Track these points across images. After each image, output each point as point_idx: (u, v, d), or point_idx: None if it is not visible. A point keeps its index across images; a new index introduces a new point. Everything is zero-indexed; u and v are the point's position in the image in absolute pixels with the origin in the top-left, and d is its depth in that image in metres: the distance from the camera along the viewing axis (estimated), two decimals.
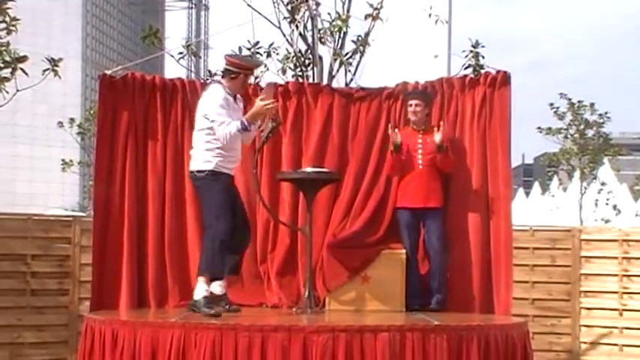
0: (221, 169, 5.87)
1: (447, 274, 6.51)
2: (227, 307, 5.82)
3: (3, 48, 7.50)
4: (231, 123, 5.78)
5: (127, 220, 6.54)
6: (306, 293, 6.21)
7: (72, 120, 24.40)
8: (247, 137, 6.08)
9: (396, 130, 6.57)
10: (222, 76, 6.07)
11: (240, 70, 5.97)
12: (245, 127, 5.78)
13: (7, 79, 7.56)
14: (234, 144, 5.89)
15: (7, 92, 7.69)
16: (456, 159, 6.59)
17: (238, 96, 6.11)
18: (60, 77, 7.87)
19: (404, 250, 6.49)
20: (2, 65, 7.50)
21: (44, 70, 7.83)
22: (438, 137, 6.47)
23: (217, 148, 5.84)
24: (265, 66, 7.75)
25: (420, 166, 6.55)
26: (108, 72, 6.77)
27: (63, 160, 24.08)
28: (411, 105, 6.67)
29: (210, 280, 5.78)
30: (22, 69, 7.56)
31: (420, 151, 6.58)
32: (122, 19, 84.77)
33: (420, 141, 6.61)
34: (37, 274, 7.39)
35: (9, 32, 7.55)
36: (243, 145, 6.54)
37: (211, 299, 5.71)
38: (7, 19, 7.50)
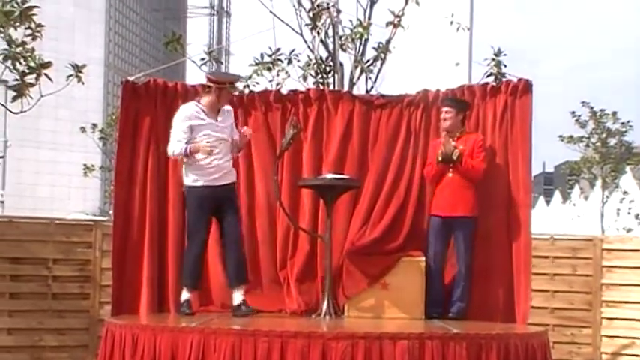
0: (196, 184, 6.16)
1: (469, 284, 6.49)
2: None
3: (28, 54, 7.57)
4: (179, 143, 6.13)
5: (148, 224, 6.58)
6: (326, 300, 6.22)
7: (94, 125, 24.59)
8: (232, 147, 6.33)
9: (451, 140, 6.52)
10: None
11: (212, 84, 6.19)
12: (185, 154, 6.11)
13: (31, 85, 7.63)
14: (213, 156, 6.11)
15: (32, 97, 7.76)
16: (482, 167, 6.54)
17: (226, 108, 6.32)
18: (83, 83, 7.94)
19: (423, 258, 6.47)
20: (27, 71, 7.58)
21: (68, 76, 7.91)
22: (448, 147, 6.45)
23: (194, 162, 6.16)
24: (286, 72, 7.79)
25: (450, 174, 6.52)
26: (131, 78, 6.83)
27: (85, 164, 24.28)
28: (442, 112, 6.66)
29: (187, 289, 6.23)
30: (46, 75, 7.63)
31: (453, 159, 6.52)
32: (144, 25, 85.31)
33: None
34: (58, 277, 7.45)
35: (34, 38, 7.62)
36: (263, 150, 6.58)
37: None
38: (32, 25, 7.57)
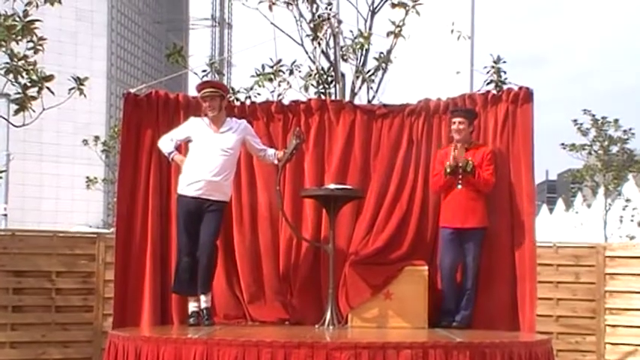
0: (182, 192, 6.26)
1: (475, 293, 6.49)
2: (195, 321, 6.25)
3: (30, 67, 7.60)
4: (170, 142, 6.34)
5: (150, 236, 6.59)
6: (329, 310, 6.21)
7: (97, 138, 24.64)
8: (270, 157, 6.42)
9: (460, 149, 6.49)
10: None
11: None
12: (169, 154, 6.35)
13: (34, 98, 7.66)
14: (195, 167, 6.19)
15: (34, 111, 7.79)
16: (493, 180, 6.51)
17: (238, 122, 6.38)
18: (85, 96, 7.96)
19: (426, 267, 6.47)
20: (29, 84, 7.60)
21: (70, 89, 7.93)
22: (462, 160, 6.43)
23: (183, 171, 6.28)
24: (288, 83, 7.80)
25: (459, 186, 6.50)
26: (133, 90, 6.85)
27: (87, 177, 24.33)
28: (454, 123, 6.60)
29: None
30: (48, 88, 7.66)
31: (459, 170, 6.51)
32: (147, 37, 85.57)
33: None
34: (61, 290, 7.45)
35: (36, 52, 7.65)
36: (266, 162, 6.59)
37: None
38: (35, 38, 7.60)
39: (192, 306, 6.30)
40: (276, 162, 6.42)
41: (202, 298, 6.26)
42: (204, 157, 6.22)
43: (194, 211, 6.20)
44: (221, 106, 6.33)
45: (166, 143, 6.40)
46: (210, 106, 6.29)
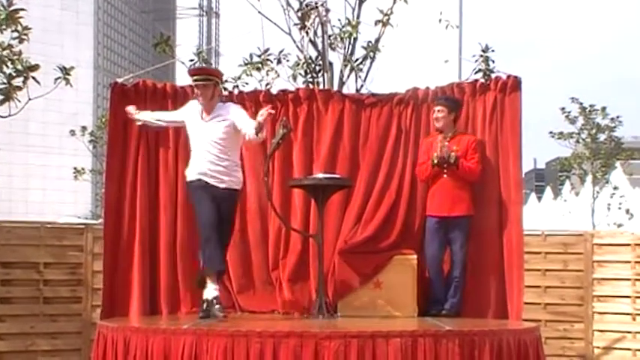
0: (191, 178, 6.05)
1: (464, 281, 6.50)
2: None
3: (15, 57, 7.55)
4: (147, 115, 6.31)
5: (139, 227, 6.57)
6: (318, 299, 6.21)
7: (84, 128, 24.49)
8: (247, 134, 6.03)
9: (446, 143, 6.48)
10: None
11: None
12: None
13: (19, 88, 7.61)
14: (195, 157, 6.03)
15: (20, 101, 7.74)
16: (479, 168, 6.52)
17: (223, 106, 6.13)
18: (72, 85, 7.92)
19: (415, 256, 6.49)
20: (14, 74, 7.55)
21: (56, 79, 7.88)
22: (445, 151, 6.44)
23: (192, 159, 6.11)
24: (276, 72, 7.77)
25: (445, 175, 6.52)
26: (120, 80, 6.81)
27: (75, 168, 24.18)
28: (434, 111, 6.66)
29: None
30: (33, 78, 7.61)
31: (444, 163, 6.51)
32: (134, 27, 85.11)
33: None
34: (49, 281, 7.43)
35: (21, 41, 7.60)
36: (254, 151, 6.56)
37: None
38: (19, 28, 7.55)
39: (213, 289, 5.85)
40: (255, 137, 5.85)
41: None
42: (198, 147, 6.05)
43: (208, 190, 5.94)
44: (213, 94, 6.06)
45: (146, 115, 6.31)
46: (203, 93, 6.01)
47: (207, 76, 6.08)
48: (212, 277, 5.89)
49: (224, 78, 7.67)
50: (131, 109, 6.28)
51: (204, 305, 5.87)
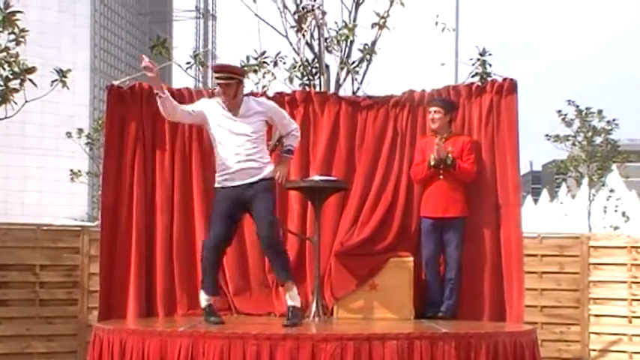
0: (219, 185, 5.87)
1: (460, 283, 6.50)
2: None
3: (12, 59, 7.55)
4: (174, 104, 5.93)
5: (135, 229, 6.56)
6: (315, 302, 6.21)
7: (80, 130, 24.48)
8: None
9: (441, 144, 6.45)
10: None
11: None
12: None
13: (16, 90, 7.61)
14: (224, 157, 5.79)
15: (16, 103, 7.73)
16: (475, 169, 6.53)
17: (254, 103, 5.95)
18: (68, 88, 7.91)
19: (412, 258, 6.49)
20: (11, 77, 7.55)
21: (53, 81, 7.88)
22: (442, 152, 6.44)
23: (216, 165, 5.92)
24: (272, 75, 7.78)
25: (441, 176, 6.52)
26: (116, 83, 6.81)
27: (72, 170, 24.17)
28: (430, 112, 6.66)
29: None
30: (30, 80, 7.61)
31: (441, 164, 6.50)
32: (130, 29, 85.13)
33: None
34: (45, 284, 7.42)
35: (18, 43, 7.60)
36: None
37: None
38: (16, 30, 7.54)
39: (206, 299, 5.83)
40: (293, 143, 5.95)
41: (289, 290, 5.74)
42: (229, 146, 5.79)
43: (236, 199, 5.75)
44: (237, 92, 5.81)
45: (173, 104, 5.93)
46: (225, 92, 5.79)
47: (230, 75, 5.84)
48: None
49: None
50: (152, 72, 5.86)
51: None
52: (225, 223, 5.82)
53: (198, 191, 6.73)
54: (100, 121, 21.54)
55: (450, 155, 6.45)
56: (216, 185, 5.91)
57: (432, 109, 6.65)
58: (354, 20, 8.03)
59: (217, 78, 5.84)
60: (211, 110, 5.90)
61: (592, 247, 7.80)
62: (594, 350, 7.67)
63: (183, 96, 6.79)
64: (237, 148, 5.77)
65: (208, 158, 6.79)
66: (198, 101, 6.13)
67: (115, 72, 71.51)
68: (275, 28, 7.95)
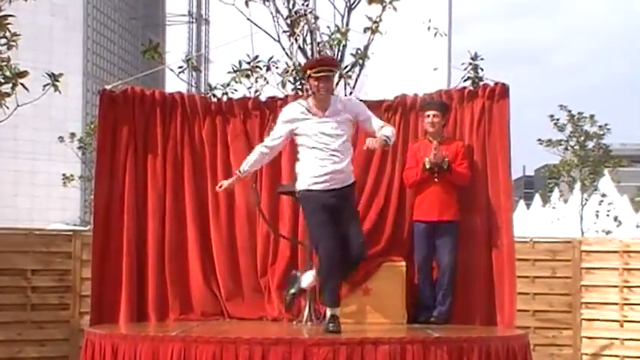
0: (310, 187, 5.62)
1: (453, 288, 6.50)
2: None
3: (3, 63, 7.53)
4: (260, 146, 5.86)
5: (127, 234, 6.55)
6: (307, 306, 6.21)
7: (73, 135, 24.47)
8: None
9: (435, 149, 6.40)
10: None
11: (305, 76, 5.64)
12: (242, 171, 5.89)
13: (7, 95, 7.59)
14: (316, 160, 5.57)
15: (8, 107, 7.72)
16: (469, 174, 6.54)
17: (342, 100, 5.77)
18: (60, 92, 7.90)
19: (404, 263, 6.49)
20: (3, 81, 7.53)
21: (45, 85, 7.87)
22: (438, 156, 6.42)
23: (303, 168, 5.71)
24: (265, 79, 7.77)
25: (435, 179, 6.50)
26: (108, 87, 6.81)
27: (64, 174, 24.16)
28: (428, 116, 6.61)
29: None
30: (22, 84, 7.59)
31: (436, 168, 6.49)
32: (123, 33, 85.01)
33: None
34: (37, 288, 7.39)
35: (9, 47, 7.58)
36: (242, 159, 6.52)
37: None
38: (8, 34, 7.53)
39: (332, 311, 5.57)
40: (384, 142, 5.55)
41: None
42: (320, 148, 5.57)
43: (326, 202, 5.55)
44: (333, 86, 5.66)
45: (254, 162, 5.86)
46: (325, 87, 5.50)
47: (332, 67, 5.60)
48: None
49: (213, 85, 7.67)
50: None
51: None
52: (333, 227, 5.54)
53: (189, 195, 6.72)
54: (92, 126, 21.55)
55: (446, 160, 6.45)
56: (308, 188, 5.62)
57: (431, 112, 6.61)
58: (347, 25, 8.03)
59: (318, 72, 5.52)
60: (299, 117, 5.65)
61: (584, 251, 7.81)
62: (586, 354, 7.69)
63: (174, 101, 6.80)
64: (330, 150, 5.55)
65: (200, 162, 6.80)
66: (283, 116, 5.81)
67: (107, 76, 71.38)
68: (268, 33, 7.94)
